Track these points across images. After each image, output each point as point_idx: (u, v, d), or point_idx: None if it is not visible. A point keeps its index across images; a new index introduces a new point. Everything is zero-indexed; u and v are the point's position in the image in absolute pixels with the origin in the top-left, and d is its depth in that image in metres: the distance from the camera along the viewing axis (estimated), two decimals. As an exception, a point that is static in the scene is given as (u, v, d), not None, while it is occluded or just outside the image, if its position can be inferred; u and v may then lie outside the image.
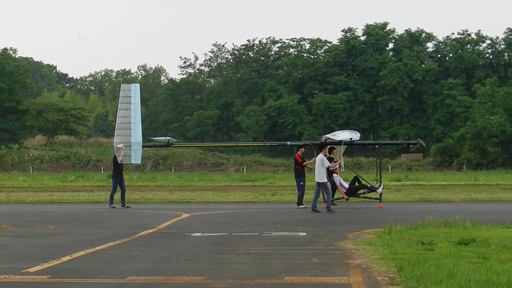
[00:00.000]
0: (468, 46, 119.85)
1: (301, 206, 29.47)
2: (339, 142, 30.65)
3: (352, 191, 30.60)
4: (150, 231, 20.31)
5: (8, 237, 18.75)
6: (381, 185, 30.76)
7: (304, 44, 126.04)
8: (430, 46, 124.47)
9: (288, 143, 38.00)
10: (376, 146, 33.81)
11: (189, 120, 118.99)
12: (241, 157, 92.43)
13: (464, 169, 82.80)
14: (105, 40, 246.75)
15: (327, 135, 32.82)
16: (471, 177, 57.05)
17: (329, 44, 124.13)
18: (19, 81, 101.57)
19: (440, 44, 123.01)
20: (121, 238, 18.23)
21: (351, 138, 30.20)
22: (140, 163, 35.82)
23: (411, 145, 34.04)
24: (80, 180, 58.14)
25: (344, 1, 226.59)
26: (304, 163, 30.54)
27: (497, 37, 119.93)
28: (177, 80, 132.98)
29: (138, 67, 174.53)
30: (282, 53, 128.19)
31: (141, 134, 30.49)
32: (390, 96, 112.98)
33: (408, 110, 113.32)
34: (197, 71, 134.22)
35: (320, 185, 27.46)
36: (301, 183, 30.13)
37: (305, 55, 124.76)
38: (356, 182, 31.00)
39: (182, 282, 11.86)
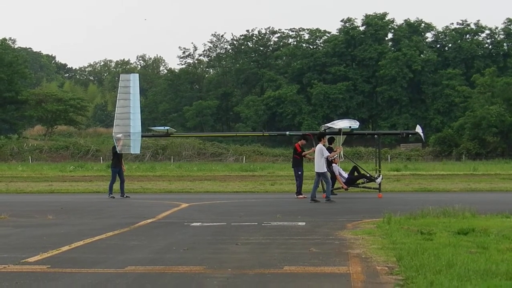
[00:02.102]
0: (467, 36, 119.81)
1: (300, 196, 29.51)
2: (338, 132, 30.64)
3: (351, 181, 30.61)
4: (149, 221, 20.32)
5: (8, 227, 18.75)
6: (380, 175, 30.77)
7: (303, 34, 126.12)
8: (429, 36, 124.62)
9: (287, 133, 38.03)
10: (375, 136, 33.86)
11: (188, 110, 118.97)
12: (240, 147, 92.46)
13: (463, 159, 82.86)
14: (105, 30, 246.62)
15: (326, 124, 32.81)
16: (470, 167, 57.09)
17: (328, 34, 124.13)
18: (18, 71, 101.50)
19: (439, 34, 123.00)
20: (120, 228, 18.23)
21: (350, 127, 30.17)
22: (139, 153, 35.85)
23: (410, 135, 34.01)
24: (79, 170, 58.19)
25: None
26: (303, 153, 30.60)
27: (496, 27, 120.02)
28: (176, 70, 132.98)
29: (137, 57, 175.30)
30: (281, 43, 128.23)
31: (140, 124, 30.49)
32: (389, 86, 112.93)
33: (407, 100, 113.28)
34: (196, 61, 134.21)
35: (319, 175, 27.46)
36: (299, 172, 30.22)
37: (304, 45, 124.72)
38: (355, 172, 31.02)
39: (182, 272, 11.86)
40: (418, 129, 31.67)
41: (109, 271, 12.03)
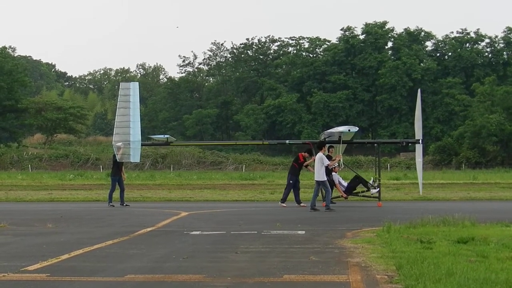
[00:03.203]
0: (467, 45, 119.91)
1: (283, 204, 29.66)
2: (338, 141, 30.62)
3: (350, 189, 30.57)
4: (149, 229, 20.30)
5: (7, 236, 18.74)
6: (378, 185, 30.36)
7: (303, 42, 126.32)
8: (429, 45, 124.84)
9: (287, 141, 38.06)
10: (375, 144, 33.81)
11: (188, 118, 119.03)
12: (240, 156, 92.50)
13: (463, 167, 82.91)
14: (104, 38, 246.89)
15: (326, 131, 32.79)
16: (470, 176, 57.09)
17: (328, 43, 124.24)
18: (18, 79, 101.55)
19: (439, 43, 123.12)
20: (120, 237, 18.22)
21: (349, 130, 30.03)
22: (139, 161, 35.78)
23: (410, 144, 34.03)
24: (79, 178, 58.19)
25: (343, 0, 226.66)
26: (305, 163, 30.64)
27: (496, 36, 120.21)
28: (176, 79, 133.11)
29: (137, 66, 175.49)
30: (281, 51, 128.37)
31: (140, 133, 30.46)
32: (389, 95, 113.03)
33: (407, 109, 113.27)
34: (196, 70, 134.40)
35: (319, 183, 27.45)
36: (291, 181, 30.32)
37: (304, 53, 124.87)
38: (357, 179, 30.88)
39: (181, 280, 11.86)
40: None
41: (109, 279, 12.03)
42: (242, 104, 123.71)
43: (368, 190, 30.46)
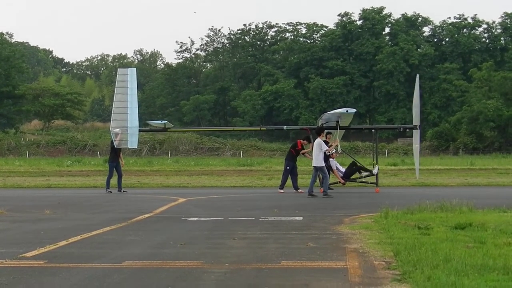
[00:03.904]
0: (465, 30, 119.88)
1: (280, 191, 29.69)
2: (335, 126, 30.62)
3: (348, 175, 30.57)
4: (146, 215, 20.30)
5: (5, 222, 18.72)
6: (373, 169, 30.34)
7: (301, 28, 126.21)
8: (426, 30, 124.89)
9: (285, 127, 38.07)
10: (373, 130, 33.76)
11: (185, 104, 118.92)
12: (238, 142, 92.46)
13: (461, 153, 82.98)
14: (101, 24, 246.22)
15: (323, 115, 32.68)
16: (467, 162, 57.14)
17: (325, 29, 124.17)
18: (15, 65, 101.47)
19: (437, 29, 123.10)
20: (117, 223, 18.21)
21: (347, 110, 29.94)
22: (136, 147, 35.82)
23: (407, 129, 34.01)
24: (77, 164, 58.16)
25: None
26: (303, 151, 30.69)
27: (494, 22, 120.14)
28: (174, 65, 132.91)
29: (134, 52, 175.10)
30: (279, 37, 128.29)
31: (137, 119, 30.48)
32: (386, 81, 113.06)
33: (404, 95, 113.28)
34: (193, 56, 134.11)
35: (317, 169, 27.43)
36: (287, 167, 30.34)
37: (301, 39, 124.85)
38: (354, 166, 30.88)
39: (179, 267, 11.84)
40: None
41: (106, 266, 12.02)
42: (239, 90, 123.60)
43: (369, 174, 30.36)
